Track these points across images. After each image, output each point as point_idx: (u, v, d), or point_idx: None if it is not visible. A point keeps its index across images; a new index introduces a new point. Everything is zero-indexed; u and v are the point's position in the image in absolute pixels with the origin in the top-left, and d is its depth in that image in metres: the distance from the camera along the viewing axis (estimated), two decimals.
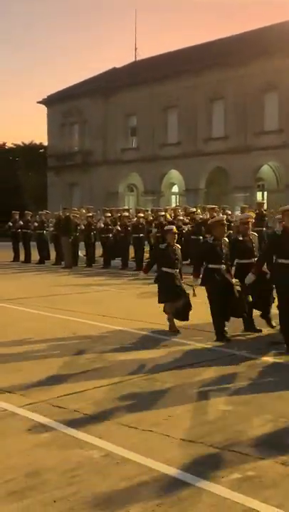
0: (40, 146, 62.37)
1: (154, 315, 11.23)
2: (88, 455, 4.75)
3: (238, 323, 9.77)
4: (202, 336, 9.48)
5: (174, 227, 10.80)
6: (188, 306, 9.84)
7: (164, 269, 10.11)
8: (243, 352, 8.33)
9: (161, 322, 10.36)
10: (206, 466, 4.50)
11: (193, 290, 9.87)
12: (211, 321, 9.40)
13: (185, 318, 9.88)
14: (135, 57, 56.31)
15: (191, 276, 9.78)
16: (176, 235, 10.46)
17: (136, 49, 64.78)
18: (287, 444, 4.93)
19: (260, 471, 4.41)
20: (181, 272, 10.29)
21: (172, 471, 4.42)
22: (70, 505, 3.92)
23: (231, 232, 20.10)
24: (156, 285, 10.29)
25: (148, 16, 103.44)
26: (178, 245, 10.50)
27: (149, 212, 24.85)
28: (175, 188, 48.69)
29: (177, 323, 9.90)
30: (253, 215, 19.53)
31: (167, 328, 9.91)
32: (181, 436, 5.11)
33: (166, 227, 11.05)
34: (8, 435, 5.20)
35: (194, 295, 9.84)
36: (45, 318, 11.20)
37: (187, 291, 9.90)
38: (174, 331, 9.79)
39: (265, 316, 9.74)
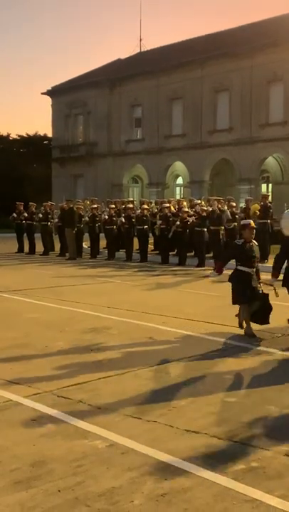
0: (45, 137, 62.37)
1: (158, 307, 11.27)
2: (93, 445, 4.77)
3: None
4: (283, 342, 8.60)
5: (252, 221, 9.74)
6: (268, 308, 8.92)
7: (240, 267, 9.19)
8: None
9: (168, 314, 10.40)
10: (210, 456, 4.52)
11: (275, 290, 8.84)
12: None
13: (265, 321, 8.92)
14: (140, 48, 56.20)
15: (270, 276, 8.96)
16: (254, 231, 9.31)
17: (141, 40, 64.70)
18: None
19: (264, 462, 4.42)
20: (258, 271, 9.29)
21: (176, 461, 4.44)
22: (75, 495, 3.95)
23: (236, 224, 20.12)
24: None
25: (153, 7, 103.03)
26: (255, 242, 9.44)
27: (154, 204, 24.84)
28: (180, 180, 48.63)
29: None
30: (258, 207, 19.58)
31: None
32: (185, 426, 5.13)
33: (242, 222, 9.99)
34: (14, 425, 5.22)
35: (277, 295, 8.81)
36: (50, 310, 11.22)
37: (266, 292, 9.04)
38: (250, 335, 8.80)
39: None
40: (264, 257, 18.65)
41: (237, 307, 9.21)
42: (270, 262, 18.23)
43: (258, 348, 8.12)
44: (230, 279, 9.37)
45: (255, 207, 19.83)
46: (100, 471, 4.31)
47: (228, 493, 3.96)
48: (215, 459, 4.47)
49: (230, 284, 9.31)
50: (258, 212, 19.25)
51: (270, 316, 8.92)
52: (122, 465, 4.40)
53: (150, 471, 4.29)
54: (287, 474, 4.21)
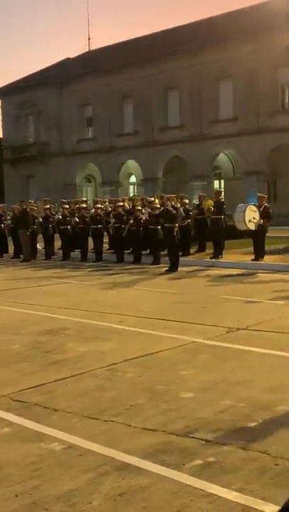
0: None
1: (115, 306, 11.28)
2: (50, 448, 4.74)
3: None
4: None
5: None
6: None
7: None
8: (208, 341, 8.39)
9: (124, 312, 10.40)
10: (168, 453, 4.54)
11: None
12: None
13: None
14: (89, 47, 56.02)
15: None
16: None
17: (89, 39, 64.62)
18: (247, 428, 4.99)
19: (220, 456, 4.46)
20: None
21: (134, 460, 4.44)
22: (32, 499, 3.91)
23: (189, 221, 20.25)
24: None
25: (100, 5, 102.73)
26: None
27: (108, 203, 24.80)
28: (133, 178, 48.71)
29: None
30: (212, 203, 19.74)
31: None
32: (143, 425, 5.13)
33: None
34: None
35: None
36: (5, 312, 11.10)
37: None
38: None
39: None
40: (218, 253, 18.86)
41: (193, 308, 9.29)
42: (225, 258, 18.50)
43: (213, 343, 8.17)
44: None
45: (210, 203, 19.99)
46: (57, 473, 4.28)
47: (185, 490, 3.97)
48: (172, 456, 4.49)
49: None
50: (213, 208, 19.40)
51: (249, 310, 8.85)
52: (79, 466, 4.37)
53: (108, 471, 4.28)
54: (244, 468, 4.25)
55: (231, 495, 3.86)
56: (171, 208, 17.61)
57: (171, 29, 46.53)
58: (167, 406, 5.64)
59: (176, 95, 43.15)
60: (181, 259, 17.94)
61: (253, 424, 5.07)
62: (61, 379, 6.60)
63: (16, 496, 3.97)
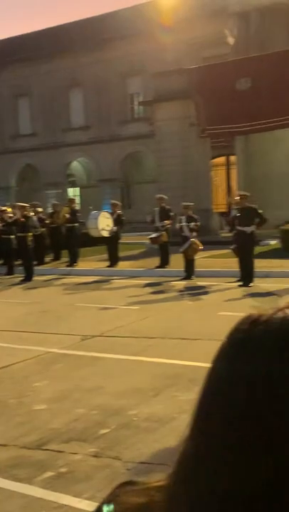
0: None
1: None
2: None
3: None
4: None
5: None
6: None
7: None
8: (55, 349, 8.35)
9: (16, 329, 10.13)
10: (19, 467, 4.46)
11: None
12: None
13: None
14: None
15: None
16: None
17: None
18: (98, 436, 5.02)
19: (72, 466, 4.45)
20: None
21: None
22: None
23: (44, 229, 20.07)
24: None
25: None
26: None
27: None
28: None
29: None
30: (68, 210, 19.70)
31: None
32: None
33: None
34: None
35: None
36: None
37: None
38: None
39: None
40: (74, 261, 18.86)
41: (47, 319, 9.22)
42: (80, 265, 18.52)
43: (68, 352, 8.16)
44: None
45: (66, 210, 19.93)
46: None
47: (37, 503, 3.93)
48: (24, 470, 4.42)
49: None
50: (68, 216, 19.34)
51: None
52: None
53: None
54: (95, 475, 4.28)
55: (83, 504, 3.87)
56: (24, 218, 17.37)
57: (21, 35, 45.87)
58: (20, 419, 5.55)
59: (26, 102, 42.73)
60: (36, 268, 17.73)
61: (105, 431, 5.11)
62: None
63: None
